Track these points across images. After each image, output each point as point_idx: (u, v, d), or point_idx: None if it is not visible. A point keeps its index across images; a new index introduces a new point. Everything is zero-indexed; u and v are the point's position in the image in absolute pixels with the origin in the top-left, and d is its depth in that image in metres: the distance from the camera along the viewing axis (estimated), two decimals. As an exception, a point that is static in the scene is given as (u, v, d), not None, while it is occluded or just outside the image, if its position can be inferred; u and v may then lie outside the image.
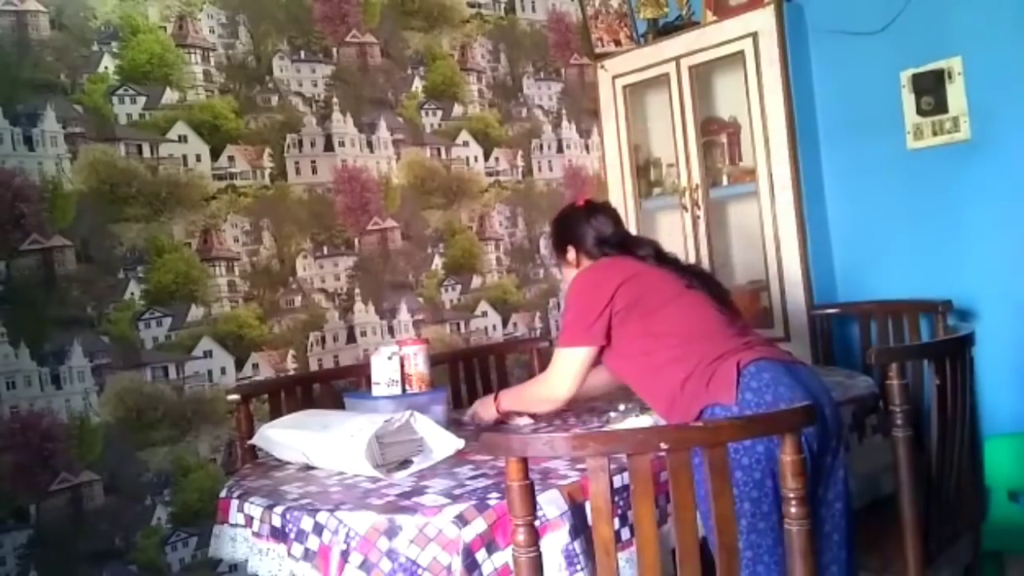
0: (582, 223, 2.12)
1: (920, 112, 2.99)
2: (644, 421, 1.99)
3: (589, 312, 1.87)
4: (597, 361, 1.95)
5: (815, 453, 1.65)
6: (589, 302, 1.88)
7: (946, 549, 1.87)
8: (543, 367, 2.94)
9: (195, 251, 2.70)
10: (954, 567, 1.95)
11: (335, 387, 2.62)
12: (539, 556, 1.29)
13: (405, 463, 1.79)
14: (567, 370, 1.91)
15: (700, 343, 1.78)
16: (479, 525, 1.44)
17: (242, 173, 2.83)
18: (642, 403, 2.23)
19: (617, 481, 1.51)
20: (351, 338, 3.04)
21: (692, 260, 3.50)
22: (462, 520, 1.44)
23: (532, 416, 2.16)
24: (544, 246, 3.64)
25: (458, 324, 3.34)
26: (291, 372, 2.85)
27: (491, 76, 3.54)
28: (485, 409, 2.18)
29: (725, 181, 3.49)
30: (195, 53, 2.76)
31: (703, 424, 1.35)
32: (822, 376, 1.90)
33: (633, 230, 3.73)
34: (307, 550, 1.56)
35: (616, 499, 1.50)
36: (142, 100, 2.64)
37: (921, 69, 2.98)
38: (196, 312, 2.69)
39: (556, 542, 1.45)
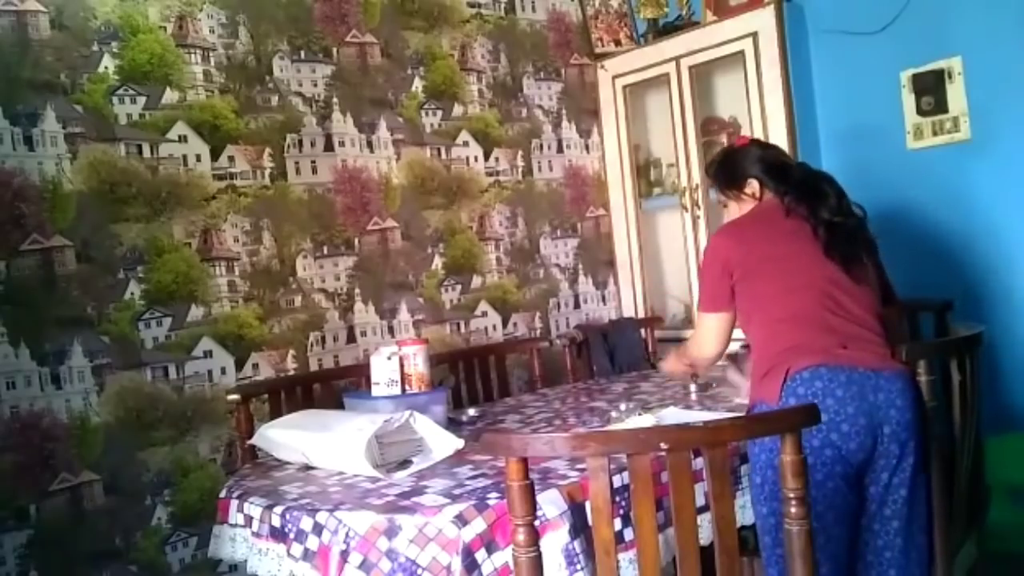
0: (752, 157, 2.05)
1: (920, 112, 2.99)
2: (646, 421, 1.99)
3: (710, 281, 1.94)
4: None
5: (857, 465, 1.67)
6: (709, 271, 1.95)
7: (958, 548, 1.87)
8: (543, 367, 2.97)
9: (195, 251, 2.70)
10: (961, 567, 1.95)
11: (335, 387, 2.62)
12: (539, 556, 1.29)
13: (405, 463, 1.79)
14: (707, 334, 1.98)
15: (782, 333, 1.79)
16: (479, 525, 1.44)
17: (242, 173, 2.83)
18: (644, 403, 2.24)
19: (617, 481, 1.51)
20: (351, 338, 3.04)
21: (692, 260, 3.50)
22: (462, 520, 1.44)
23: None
24: (543, 246, 3.64)
25: (458, 324, 3.34)
26: (291, 372, 2.85)
27: (491, 76, 3.54)
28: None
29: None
30: (195, 53, 2.76)
31: (703, 424, 1.34)
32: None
33: (633, 230, 3.75)
34: (307, 550, 1.56)
35: (617, 499, 1.50)
36: (142, 100, 2.64)
37: (921, 69, 2.98)
38: (196, 312, 2.69)
39: (556, 542, 1.45)
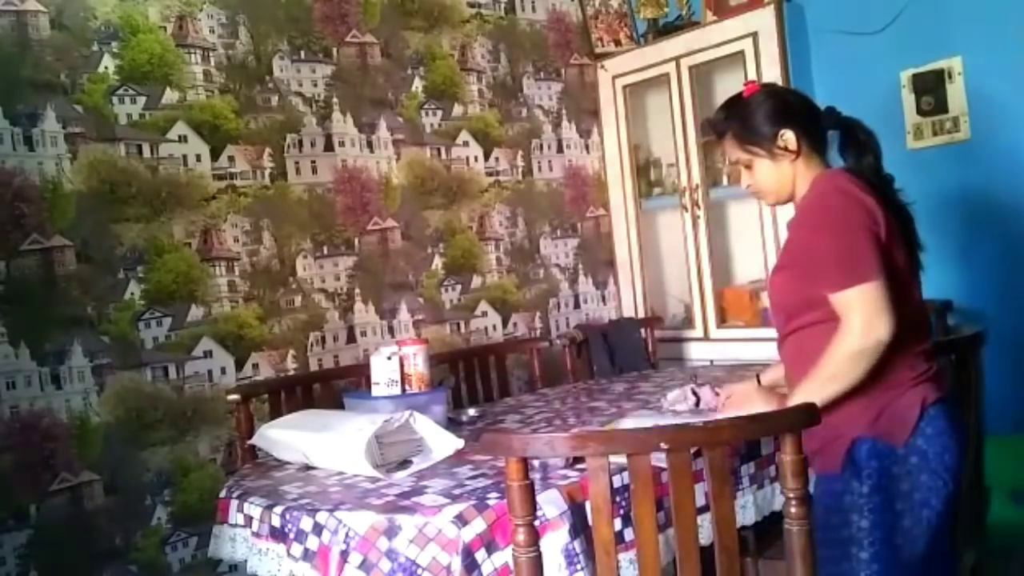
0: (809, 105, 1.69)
1: (920, 112, 3.00)
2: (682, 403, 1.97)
3: (863, 239, 1.50)
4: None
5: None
6: (857, 226, 1.51)
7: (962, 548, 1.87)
8: (543, 367, 2.97)
9: (195, 251, 2.70)
10: (962, 566, 1.94)
11: (335, 387, 2.62)
12: (539, 556, 1.29)
13: (405, 463, 1.79)
14: (876, 306, 1.48)
15: (900, 347, 1.50)
16: (479, 525, 1.44)
17: (242, 173, 2.83)
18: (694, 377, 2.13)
19: (617, 481, 1.51)
20: (351, 338, 3.04)
21: (692, 260, 3.50)
22: (461, 520, 1.44)
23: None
24: (543, 246, 3.63)
25: (458, 324, 3.34)
26: (291, 372, 2.85)
27: (491, 76, 3.54)
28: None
29: (725, 181, 3.49)
30: (195, 53, 2.76)
31: (703, 424, 1.34)
32: None
33: (633, 230, 3.75)
34: (306, 550, 1.56)
35: (617, 499, 1.50)
36: (142, 100, 2.64)
37: (921, 69, 2.98)
38: (196, 312, 2.69)
39: (556, 542, 1.45)
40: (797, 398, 1.52)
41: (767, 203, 1.81)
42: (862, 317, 1.48)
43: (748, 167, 1.70)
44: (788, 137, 1.63)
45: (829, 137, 1.69)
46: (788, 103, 1.68)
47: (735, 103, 1.72)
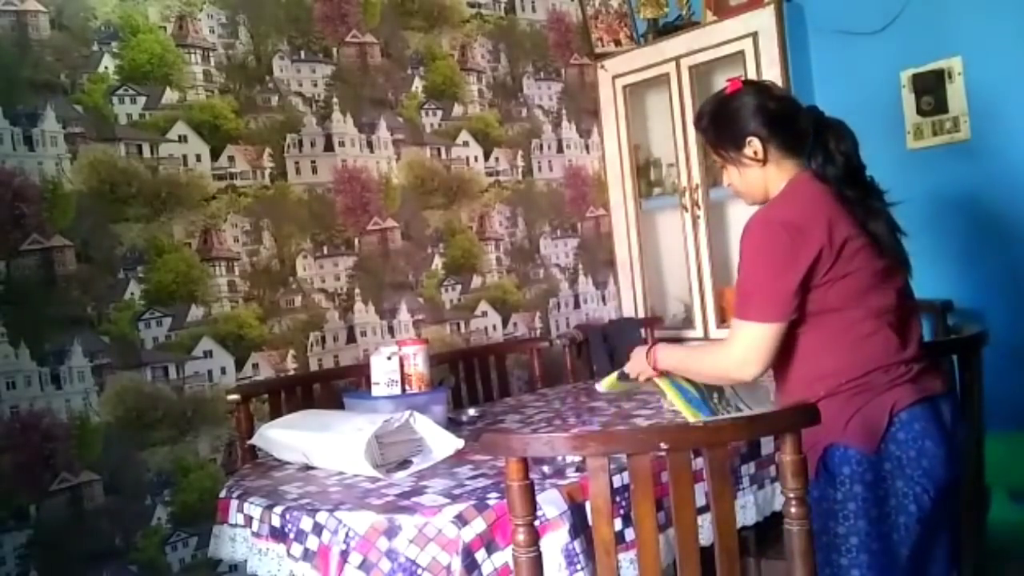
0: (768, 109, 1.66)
1: (920, 112, 2.99)
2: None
3: (773, 276, 1.54)
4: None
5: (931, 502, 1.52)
6: (774, 263, 1.54)
7: (962, 549, 1.87)
8: (543, 367, 2.97)
9: (195, 251, 2.70)
10: (964, 567, 1.94)
11: (335, 387, 2.62)
12: (539, 556, 1.29)
13: (405, 463, 1.79)
14: (753, 348, 1.56)
15: (860, 356, 1.53)
16: (479, 525, 1.44)
17: (242, 173, 2.82)
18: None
19: (617, 481, 1.51)
20: (351, 338, 3.04)
21: (692, 260, 3.50)
22: (461, 520, 1.44)
23: None
24: (543, 246, 3.63)
25: (458, 324, 3.34)
26: (291, 372, 2.85)
27: (491, 76, 3.53)
28: (638, 363, 1.84)
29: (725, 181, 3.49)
30: (195, 53, 2.76)
31: (703, 424, 1.34)
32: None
33: (633, 230, 3.75)
34: (306, 550, 1.56)
35: (617, 499, 1.50)
36: (142, 100, 2.64)
37: (921, 69, 2.98)
38: (196, 312, 2.69)
39: (556, 542, 1.45)
40: (666, 349, 1.79)
41: (745, 203, 1.82)
42: (741, 352, 1.57)
43: (723, 168, 1.77)
44: (755, 146, 1.66)
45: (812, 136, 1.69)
46: (765, 107, 1.66)
47: (715, 102, 1.74)
